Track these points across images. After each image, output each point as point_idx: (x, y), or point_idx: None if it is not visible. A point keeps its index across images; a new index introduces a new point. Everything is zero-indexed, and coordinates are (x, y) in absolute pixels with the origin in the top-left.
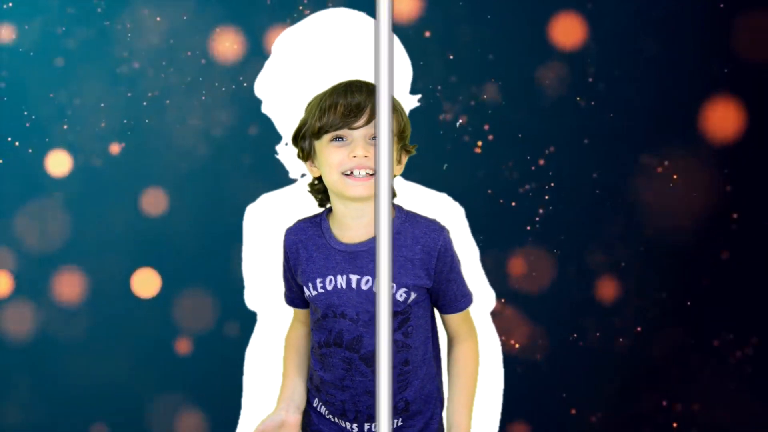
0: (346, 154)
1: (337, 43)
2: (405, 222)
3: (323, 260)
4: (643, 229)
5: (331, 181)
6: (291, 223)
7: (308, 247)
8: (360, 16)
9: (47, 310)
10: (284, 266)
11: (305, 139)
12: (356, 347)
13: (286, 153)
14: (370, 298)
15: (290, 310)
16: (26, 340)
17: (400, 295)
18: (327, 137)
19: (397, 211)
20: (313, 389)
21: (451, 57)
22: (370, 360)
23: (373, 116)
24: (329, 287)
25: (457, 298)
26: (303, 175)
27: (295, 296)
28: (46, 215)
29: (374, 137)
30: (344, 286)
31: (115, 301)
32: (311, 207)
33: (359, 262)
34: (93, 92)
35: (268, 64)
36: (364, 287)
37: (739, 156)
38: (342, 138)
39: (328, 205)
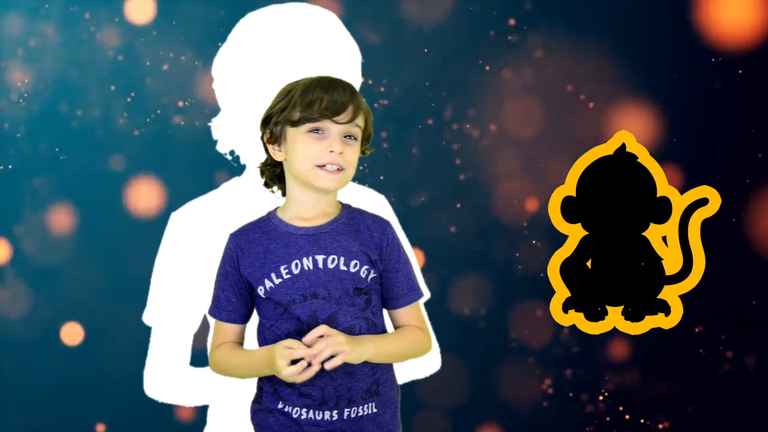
0: (323, 148)
1: (297, 35)
2: (354, 212)
3: (284, 248)
4: None
5: (302, 170)
6: (216, 230)
7: (262, 243)
8: (324, 12)
9: None
10: (226, 273)
11: (278, 125)
12: (332, 325)
13: (220, 125)
14: (337, 275)
15: (190, 326)
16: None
17: (363, 272)
18: (305, 128)
19: (345, 205)
20: (273, 394)
21: None
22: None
23: (354, 115)
24: (296, 271)
25: (404, 291)
26: (232, 153)
27: (234, 308)
28: None
29: (349, 135)
30: (311, 267)
31: None
32: (239, 215)
33: (322, 243)
34: None
35: (227, 44)
36: (330, 266)
37: None
38: (319, 131)
39: (276, 192)
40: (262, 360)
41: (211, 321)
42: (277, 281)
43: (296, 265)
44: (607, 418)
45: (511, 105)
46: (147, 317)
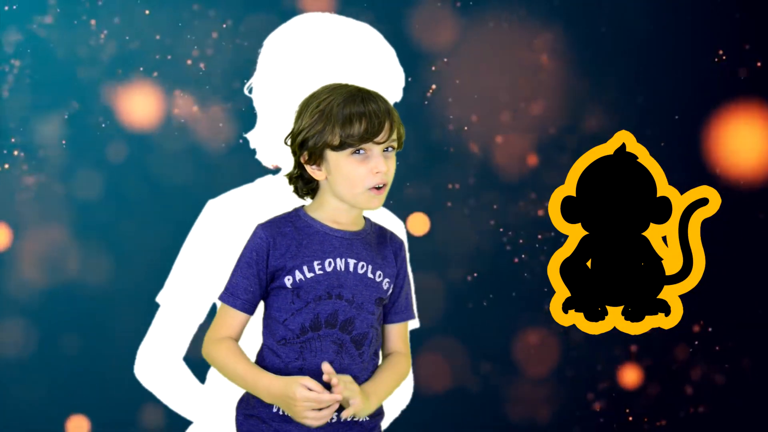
0: (370, 169)
1: (337, 44)
2: (375, 226)
3: (318, 245)
4: None
5: (352, 194)
6: (248, 220)
7: (295, 236)
8: (361, 23)
9: None
10: (251, 262)
11: (317, 148)
12: (349, 328)
13: (259, 136)
14: (364, 282)
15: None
16: None
17: (385, 284)
18: (347, 151)
19: (366, 218)
20: None
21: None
22: (360, 342)
23: (392, 130)
24: (328, 269)
25: (404, 308)
26: (276, 168)
27: (249, 299)
28: None
29: (388, 148)
30: (343, 269)
31: None
32: (272, 211)
33: (355, 248)
34: None
35: (264, 53)
36: (360, 271)
37: None
38: (362, 151)
39: (307, 200)
40: (271, 391)
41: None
42: (309, 275)
43: (329, 263)
44: (609, 417)
45: (514, 107)
46: (160, 297)
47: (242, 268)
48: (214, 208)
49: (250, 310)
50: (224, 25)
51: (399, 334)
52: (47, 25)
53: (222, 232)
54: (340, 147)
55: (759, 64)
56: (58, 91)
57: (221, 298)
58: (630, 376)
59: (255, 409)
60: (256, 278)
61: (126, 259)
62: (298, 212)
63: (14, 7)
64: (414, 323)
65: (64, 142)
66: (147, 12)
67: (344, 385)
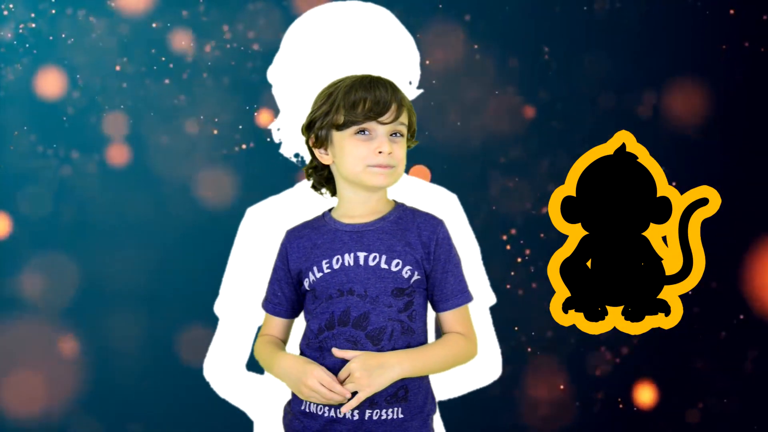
0: (371, 149)
1: (352, 33)
2: (406, 211)
3: (329, 243)
4: None
5: (354, 172)
6: (292, 225)
7: (311, 238)
8: (377, 9)
9: None
10: (276, 267)
11: (323, 129)
12: (363, 324)
13: (282, 127)
14: (377, 273)
15: (254, 320)
16: None
17: (406, 272)
18: (351, 130)
19: (399, 204)
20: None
21: None
22: (377, 338)
23: (398, 113)
24: (336, 266)
25: (454, 293)
26: (297, 155)
27: (279, 302)
28: None
29: (395, 133)
30: (352, 264)
31: None
32: (310, 215)
33: (366, 240)
34: None
35: (284, 46)
36: (371, 263)
37: None
38: (366, 131)
39: (326, 198)
40: (286, 373)
41: None
42: (318, 275)
43: (337, 260)
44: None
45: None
46: (216, 308)
47: (271, 273)
48: (253, 215)
49: (282, 314)
50: (239, 26)
51: (455, 320)
52: (48, 24)
53: (261, 237)
54: (344, 126)
55: (762, 48)
56: (60, 90)
57: (262, 302)
58: (630, 375)
59: (290, 405)
60: (279, 283)
61: (129, 257)
62: (324, 214)
63: (11, 6)
64: (488, 300)
65: (56, 147)
66: (155, 25)
67: (354, 363)
